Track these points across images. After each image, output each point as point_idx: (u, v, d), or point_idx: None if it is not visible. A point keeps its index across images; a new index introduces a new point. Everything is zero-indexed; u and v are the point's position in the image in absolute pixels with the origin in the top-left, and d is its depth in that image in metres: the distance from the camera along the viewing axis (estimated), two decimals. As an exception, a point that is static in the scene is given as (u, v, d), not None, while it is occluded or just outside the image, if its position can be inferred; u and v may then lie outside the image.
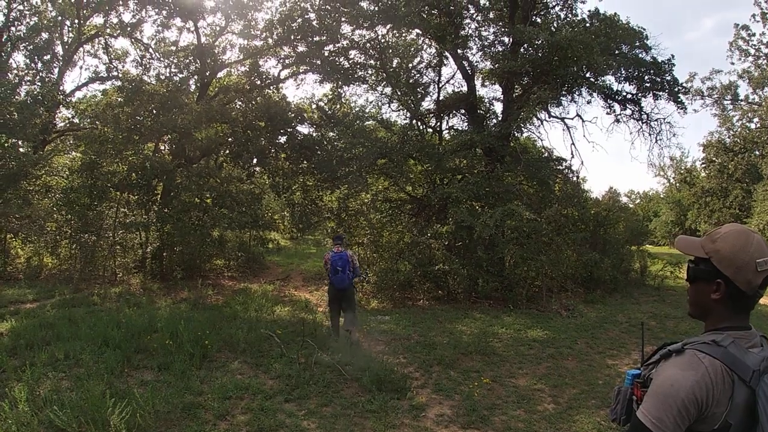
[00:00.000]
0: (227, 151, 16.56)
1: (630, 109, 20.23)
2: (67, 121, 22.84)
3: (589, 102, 19.99)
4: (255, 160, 17.17)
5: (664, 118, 20.19)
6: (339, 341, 9.41)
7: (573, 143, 20.04)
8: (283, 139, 18.66)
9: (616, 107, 20.22)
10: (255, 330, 9.91)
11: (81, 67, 25.93)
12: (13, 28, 20.76)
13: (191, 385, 6.95)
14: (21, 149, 17.58)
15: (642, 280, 18.95)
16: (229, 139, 16.87)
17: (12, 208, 15.97)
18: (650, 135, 20.43)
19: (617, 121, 20.41)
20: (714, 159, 41.44)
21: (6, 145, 16.50)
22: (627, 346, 10.27)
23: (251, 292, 15.42)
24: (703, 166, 44.59)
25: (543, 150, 20.24)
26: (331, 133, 19.87)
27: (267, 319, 11.66)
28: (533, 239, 14.80)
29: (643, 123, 20.39)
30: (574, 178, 19.56)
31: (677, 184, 50.94)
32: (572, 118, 20.06)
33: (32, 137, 17.68)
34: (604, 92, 19.78)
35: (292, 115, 18.70)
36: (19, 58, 21.66)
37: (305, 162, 18.94)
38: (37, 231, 17.01)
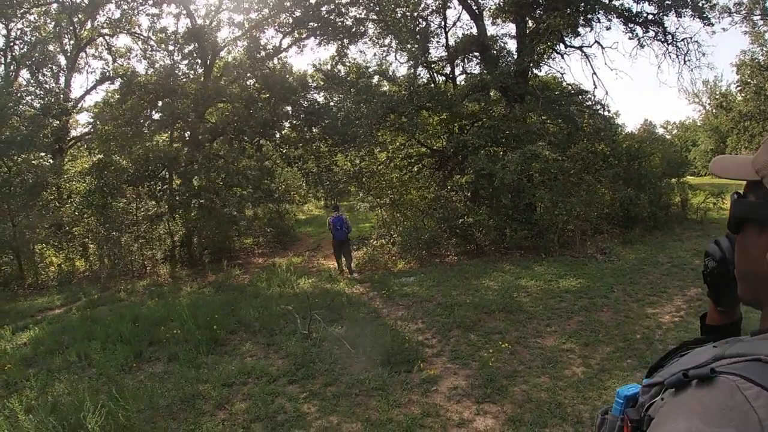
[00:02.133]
0: (231, 129, 16.07)
1: (653, 30, 18.18)
2: (88, 126, 23.09)
3: (608, 28, 18.19)
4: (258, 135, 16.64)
5: (691, 38, 18.16)
6: (358, 311, 9.28)
7: (594, 72, 18.44)
8: (288, 109, 17.96)
9: (638, 30, 18.20)
10: (271, 308, 9.60)
11: (87, 71, 26.14)
12: (16, 47, 21.12)
13: (198, 374, 6.69)
14: (34, 161, 17.63)
15: (684, 215, 17.43)
16: (235, 117, 16.36)
17: (35, 219, 16.12)
18: (677, 57, 18.46)
19: (641, 45, 18.53)
20: (749, 80, 38.08)
21: (18, 159, 16.56)
22: (669, 290, 9.21)
23: (277, 266, 15.08)
24: (739, 88, 41.13)
25: (566, 86, 18.77)
26: (336, 97, 19.07)
27: (289, 293, 11.29)
28: (561, 180, 13.68)
29: (668, 45, 18.37)
30: (602, 111, 18.06)
31: (713, 110, 47.63)
32: (590, 46, 18.32)
33: (43, 148, 17.80)
34: (623, 15, 17.86)
35: (295, 83, 17.91)
36: (25, 75, 22.07)
37: (313, 129, 18.26)
38: (63, 237, 17.15)
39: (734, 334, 1.14)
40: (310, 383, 6.18)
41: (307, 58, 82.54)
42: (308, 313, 8.25)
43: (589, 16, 17.09)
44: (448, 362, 6.55)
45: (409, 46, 17.87)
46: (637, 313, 7.96)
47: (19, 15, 20.39)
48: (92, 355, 7.68)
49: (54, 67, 22.47)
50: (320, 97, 19.57)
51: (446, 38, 18.78)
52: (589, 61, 17.97)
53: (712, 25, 17.73)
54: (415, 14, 18.67)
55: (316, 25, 18.69)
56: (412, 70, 18.85)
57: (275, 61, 20.51)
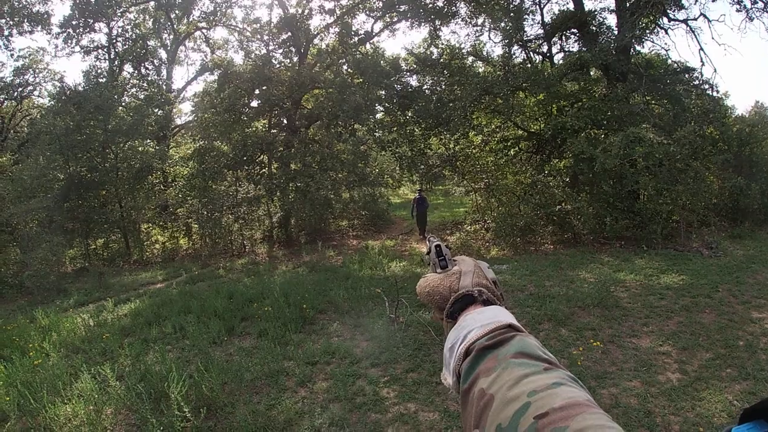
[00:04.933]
0: (326, 114, 16.53)
1: (762, 1, 16.34)
2: (190, 114, 24.85)
3: (713, 0, 16.49)
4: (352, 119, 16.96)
5: (808, 8, 16.11)
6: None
7: (701, 48, 16.82)
8: (381, 93, 18.12)
9: (746, 1, 16.45)
10: (361, 289, 9.81)
11: (187, 64, 28.03)
12: (118, 44, 23.13)
13: (285, 351, 7.00)
14: (139, 148, 19.20)
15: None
16: (329, 103, 16.81)
17: (142, 200, 17.53)
18: (793, 31, 16.45)
19: (749, 18, 16.64)
20: None
21: (124, 147, 18.13)
22: (779, 293, 8.44)
23: (370, 249, 15.47)
24: None
25: (671, 63, 17.36)
26: (429, 79, 18.92)
27: (380, 276, 11.50)
28: (666, 166, 12.77)
29: (781, 17, 16.46)
30: (710, 91, 16.55)
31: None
32: (695, 19, 16.71)
33: (148, 135, 19.39)
34: None
35: (388, 67, 17.99)
36: (128, 69, 24.12)
37: (407, 112, 18.30)
38: (168, 217, 18.63)
39: None
40: (392, 368, 6.28)
41: (400, 41, 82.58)
42: (397, 297, 8.37)
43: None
44: (536, 357, 6.43)
45: (502, 24, 17.37)
46: (741, 317, 7.35)
47: (119, 14, 22.16)
48: (187, 327, 8.22)
49: (155, 61, 24.56)
50: (413, 81, 19.47)
51: (542, 15, 18.04)
52: (695, 35, 16.51)
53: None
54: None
55: (406, 7, 18.58)
56: (507, 50, 18.28)
57: (367, 46, 20.68)
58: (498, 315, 0.89)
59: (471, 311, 0.95)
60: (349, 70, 18.91)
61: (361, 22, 20.52)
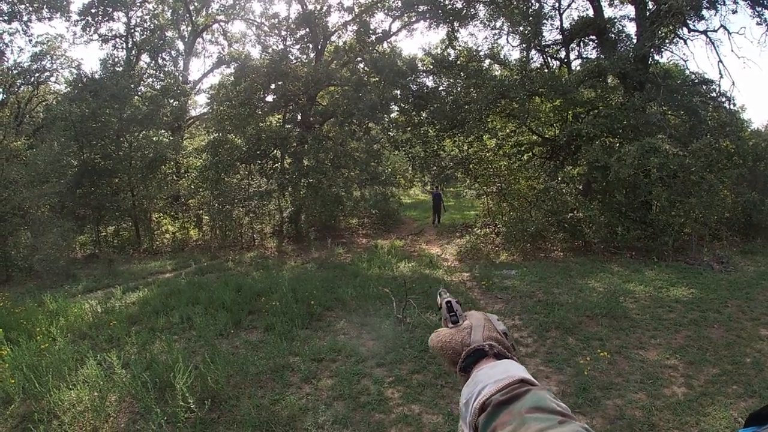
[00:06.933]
0: (340, 111, 16.57)
1: None
2: (205, 106, 25.00)
3: (734, 11, 16.30)
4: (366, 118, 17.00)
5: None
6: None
7: (720, 60, 16.59)
8: (397, 93, 18.13)
9: (766, 14, 16.27)
10: (369, 288, 9.81)
11: (204, 56, 28.28)
12: (136, 34, 23.32)
13: (291, 346, 7.02)
14: (154, 138, 19.34)
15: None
16: (345, 100, 16.86)
17: (154, 190, 17.69)
18: (813, 45, 16.29)
19: None
20: None
21: (139, 136, 18.25)
22: (788, 311, 8.34)
23: (379, 248, 15.47)
24: None
25: (689, 73, 17.20)
26: (445, 81, 18.90)
27: (388, 276, 11.50)
28: (681, 178, 12.67)
29: (801, 31, 16.31)
30: (727, 104, 16.39)
31: None
32: (716, 31, 16.61)
33: (163, 126, 19.56)
34: None
35: (404, 67, 17.98)
36: (145, 59, 24.33)
37: (422, 113, 18.30)
38: (179, 208, 18.75)
39: None
40: (398, 368, 6.27)
41: (417, 42, 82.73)
42: (404, 297, 8.36)
43: (714, -2, 15.49)
44: (542, 365, 6.39)
45: (521, 28, 17.31)
46: (750, 334, 7.28)
47: (138, 3, 22.32)
48: (194, 318, 8.24)
49: (173, 52, 24.77)
50: (429, 81, 19.53)
51: (561, 20, 17.96)
52: (714, 47, 16.40)
53: None
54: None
55: (425, 7, 18.59)
56: (525, 54, 18.27)
57: (385, 45, 20.73)
58: (510, 369, 0.92)
59: (483, 365, 0.98)
60: (365, 68, 18.95)
61: (379, 20, 20.70)
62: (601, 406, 5.27)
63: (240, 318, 8.37)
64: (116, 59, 22.20)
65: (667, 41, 16.07)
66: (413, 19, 19.99)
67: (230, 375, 5.95)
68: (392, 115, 18.97)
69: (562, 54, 18.59)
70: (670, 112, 15.67)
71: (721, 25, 16.82)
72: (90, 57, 58.28)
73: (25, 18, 21.03)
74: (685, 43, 16.83)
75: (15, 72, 22.78)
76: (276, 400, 5.46)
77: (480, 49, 19.86)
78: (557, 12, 17.90)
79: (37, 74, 23.78)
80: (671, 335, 7.29)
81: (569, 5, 18.24)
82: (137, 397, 5.32)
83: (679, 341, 7.05)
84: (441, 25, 19.36)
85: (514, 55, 19.74)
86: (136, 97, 19.27)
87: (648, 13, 15.52)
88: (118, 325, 7.87)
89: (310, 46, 19.50)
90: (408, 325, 7.75)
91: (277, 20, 19.48)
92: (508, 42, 19.34)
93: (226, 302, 9.00)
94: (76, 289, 11.40)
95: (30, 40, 26.54)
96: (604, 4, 17.48)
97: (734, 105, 16.94)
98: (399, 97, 18.30)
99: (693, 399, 5.36)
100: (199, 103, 25.68)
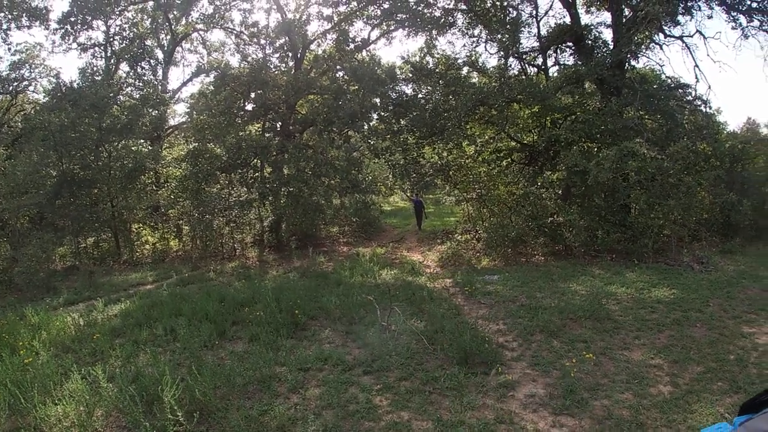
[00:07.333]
0: (320, 120, 16.59)
1: (757, 20, 16.62)
2: (184, 115, 24.75)
3: (710, 17, 16.79)
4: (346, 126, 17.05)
5: (802, 28, 16.43)
6: (439, 306, 9.23)
7: (696, 65, 17.06)
8: (376, 101, 18.21)
9: (741, 19, 16.72)
10: (353, 296, 9.78)
11: (183, 65, 28.11)
12: (115, 42, 23.14)
13: (277, 356, 6.95)
14: (133, 148, 19.15)
15: (791, 224, 15.87)
16: (324, 109, 16.88)
17: (134, 200, 17.50)
18: (786, 49, 16.86)
19: (744, 36, 16.94)
20: None
21: (118, 146, 18.03)
22: (768, 308, 8.54)
23: (361, 256, 15.44)
24: None
25: (665, 78, 17.59)
26: (424, 89, 19.05)
27: (371, 283, 11.48)
28: (659, 181, 12.92)
29: (775, 35, 16.79)
30: (704, 108, 16.79)
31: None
32: (691, 36, 17.02)
33: (142, 135, 19.32)
34: (725, 2, 16.45)
35: (383, 75, 18.07)
36: (124, 68, 24.16)
37: (401, 121, 18.40)
38: (159, 218, 18.55)
39: None
40: (385, 376, 6.25)
41: (396, 50, 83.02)
42: (389, 304, 8.34)
43: (689, 3, 15.99)
44: (528, 368, 6.41)
45: (499, 36, 17.52)
46: (732, 332, 7.44)
47: (117, 12, 22.14)
48: (178, 330, 8.13)
49: (152, 61, 24.51)
50: (409, 89, 19.65)
51: (538, 28, 18.32)
52: (690, 52, 16.83)
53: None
54: (505, 3, 18.25)
55: (404, 16, 18.73)
56: (503, 61, 18.50)
57: (364, 53, 20.82)
58: None
59: None
60: (345, 76, 19.00)
61: (359, 29, 20.80)
62: (588, 407, 5.31)
63: (224, 329, 8.28)
64: (95, 68, 21.90)
65: (643, 47, 16.44)
66: (392, 27, 20.12)
67: (217, 386, 5.87)
68: (372, 123, 19.03)
69: (540, 61, 18.88)
70: (647, 117, 15.98)
71: (697, 30, 17.27)
72: (69, 66, 57.63)
73: (4, 26, 20.70)
74: (662, 48, 17.26)
75: (-7, 81, 22.35)
76: (264, 410, 5.41)
77: (458, 56, 20.10)
78: (534, 20, 18.23)
79: (15, 83, 23.32)
80: (655, 335, 7.41)
81: (546, 13, 18.66)
82: (124, 411, 5.20)
83: (663, 341, 7.16)
84: (420, 33, 19.54)
85: (492, 62, 19.99)
86: (115, 106, 19.02)
87: (624, 20, 15.88)
88: (101, 338, 7.75)
89: (290, 54, 19.49)
90: (393, 332, 7.72)
91: (256, 29, 19.43)
92: (486, 50, 19.65)
93: (209, 313, 8.89)
94: (57, 302, 11.17)
95: (9, 49, 26.07)
96: (581, 11, 17.88)
97: (710, 108, 17.37)
98: (378, 105, 18.37)
99: (679, 397, 5.43)
100: (179, 113, 25.60)
